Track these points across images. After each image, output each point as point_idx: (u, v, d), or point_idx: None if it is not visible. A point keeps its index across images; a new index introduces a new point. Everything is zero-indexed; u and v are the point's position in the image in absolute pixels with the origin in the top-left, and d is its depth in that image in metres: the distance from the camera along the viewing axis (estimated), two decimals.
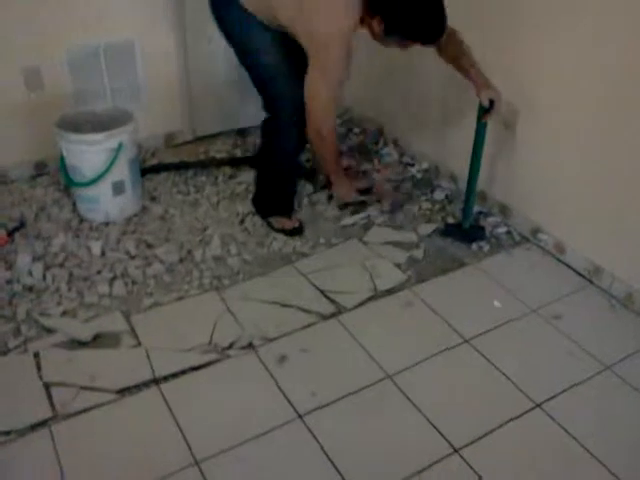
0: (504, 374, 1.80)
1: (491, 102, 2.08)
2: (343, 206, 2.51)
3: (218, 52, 2.75)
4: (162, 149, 2.91)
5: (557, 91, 2.11)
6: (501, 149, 2.38)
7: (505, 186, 2.45)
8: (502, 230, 2.42)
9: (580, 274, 2.19)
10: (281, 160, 2.30)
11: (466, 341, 1.91)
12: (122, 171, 2.32)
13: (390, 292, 2.10)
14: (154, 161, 2.82)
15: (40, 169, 2.66)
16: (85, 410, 1.64)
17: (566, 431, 1.63)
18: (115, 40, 2.60)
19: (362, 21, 1.92)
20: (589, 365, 1.84)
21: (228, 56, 2.35)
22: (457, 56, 2.10)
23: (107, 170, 2.25)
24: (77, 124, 2.31)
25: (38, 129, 2.54)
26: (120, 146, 2.24)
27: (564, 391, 1.75)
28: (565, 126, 2.12)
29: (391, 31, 1.89)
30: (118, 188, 2.33)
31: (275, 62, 2.09)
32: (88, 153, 2.24)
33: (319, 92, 1.99)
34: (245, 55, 2.15)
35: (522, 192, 2.38)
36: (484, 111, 2.12)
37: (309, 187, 2.63)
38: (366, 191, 2.55)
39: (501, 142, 2.36)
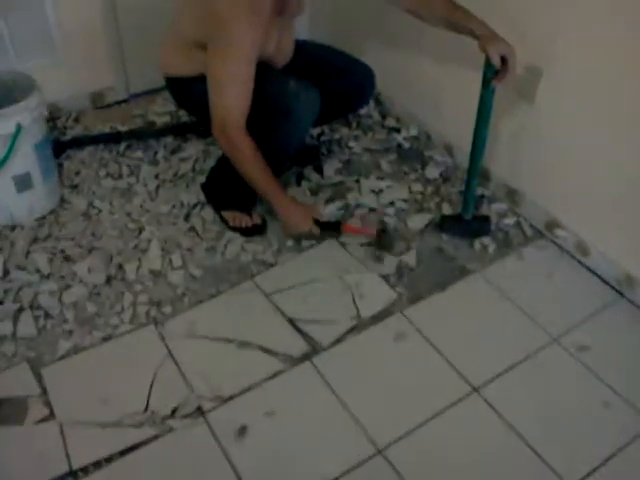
0: (525, 441, 1.41)
1: (503, 60, 1.58)
2: (296, 238, 1.87)
3: None
4: (88, 112, 2.34)
5: (585, 47, 1.61)
6: (510, 118, 1.89)
7: (514, 164, 1.97)
8: (510, 221, 1.97)
9: (608, 284, 1.78)
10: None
11: (475, 390, 1.51)
12: (26, 160, 1.78)
13: (377, 318, 1.67)
14: (78, 129, 2.26)
15: None
16: None
17: None
18: None
19: None
20: (628, 423, 1.46)
21: None
22: (448, 11, 1.62)
23: (3, 162, 1.71)
24: None
25: None
26: (18, 130, 1.69)
27: (601, 465, 1.38)
28: (595, 92, 1.63)
29: None
30: (23, 182, 1.80)
31: None
32: None
33: (218, 72, 1.53)
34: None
35: (536, 173, 1.91)
36: (493, 72, 1.62)
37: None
38: (332, 225, 1.86)
39: (510, 109, 1.87)
